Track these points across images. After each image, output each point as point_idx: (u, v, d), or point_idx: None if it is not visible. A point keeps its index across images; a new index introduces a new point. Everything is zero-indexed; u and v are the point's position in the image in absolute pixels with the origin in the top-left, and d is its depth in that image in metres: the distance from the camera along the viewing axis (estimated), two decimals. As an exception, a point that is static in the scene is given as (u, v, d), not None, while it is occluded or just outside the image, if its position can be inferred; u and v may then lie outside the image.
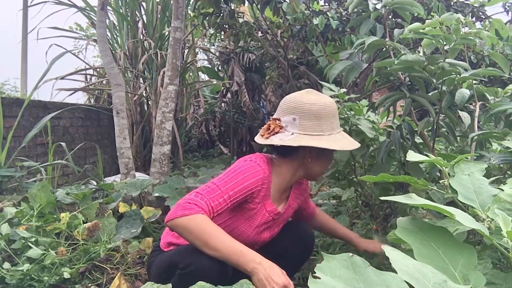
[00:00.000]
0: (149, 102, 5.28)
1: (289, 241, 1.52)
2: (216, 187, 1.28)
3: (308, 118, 1.35)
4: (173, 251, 1.37)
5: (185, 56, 5.63)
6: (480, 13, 3.39)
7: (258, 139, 1.41)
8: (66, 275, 1.74)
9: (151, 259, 1.47)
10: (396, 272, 0.68)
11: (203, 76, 7.24)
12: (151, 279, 1.39)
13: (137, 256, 2.01)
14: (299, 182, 1.57)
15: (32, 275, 1.69)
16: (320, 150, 1.37)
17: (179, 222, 1.19)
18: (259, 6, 3.79)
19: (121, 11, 5.23)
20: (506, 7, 3.29)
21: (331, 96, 1.87)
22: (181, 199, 1.26)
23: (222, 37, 5.31)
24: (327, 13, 3.45)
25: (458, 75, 1.43)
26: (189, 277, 1.18)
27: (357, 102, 2.00)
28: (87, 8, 5.00)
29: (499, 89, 1.62)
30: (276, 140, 1.35)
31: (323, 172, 1.51)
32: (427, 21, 1.42)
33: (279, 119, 1.39)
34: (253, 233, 1.42)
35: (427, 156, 1.12)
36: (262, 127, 1.43)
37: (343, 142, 1.39)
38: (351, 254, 0.72)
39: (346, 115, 1.86)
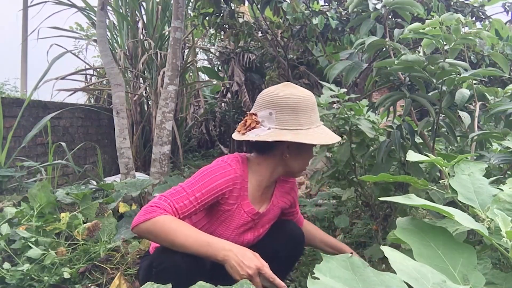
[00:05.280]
0: (149, 102, 5.28)
1: (278, 242, 1.48)
2: (182, 189, 1.25)
3: (285, 112, 1.30)
4: (153, 253, 1.36)
5: (185, 56, 5.63)
6: (480, 13, 3.39)
7: (235, 135, 1.37)
8: (66, 275, 1.74)
9: (140, 264, 1.46)
10: (395, 273, 0.68)
11: (203, 76, 7.25)
12: (140, 283, 1.38)
13: (137, 256, 2.01)
14: (284, 180, 1.53)
15: (32, 275, 1.69)
16: (298, 145, 1.33)
17: (143, 227, 1.17)
18: (259, 6, 3.79)
19: (121, 11, 5.24)
20: (506, 7, 3.29)
21: (331, 96, 1.88)
22: (146, 204, 1.24)
23: (222, 37, 5.31)
24: (327, 13, 3.45)
25: (458, 75, 1.43)
26: (164, 273, 1.18)
27: (357, 102, 2.00)
28: (87, 8, 5.00)
29: (499, 89, 1.62)
30: (252, 135, 1.30)
31: (304, 168, 1.44)
32: (427, 21, 1.42)
33: (255, 114, 1.34)
34: (232, 235, 1.39)
35: (427, 156, 1.11)
36: (239, 123, 1.39)
37: (322, 137, 1.34)
38: (350, 254, 0.72)
39: (346, 115, 1.86)
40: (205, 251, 1.15)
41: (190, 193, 1.25)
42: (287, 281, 1.79)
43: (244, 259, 1.13)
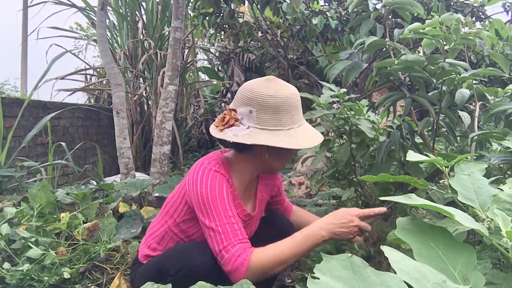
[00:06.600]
0: (149, 102, 5.28)
1: (269, 237, 1.41)
2: (222, 224, 1.20)
3: (266, 112, 1.23)
4: (156, 259, 1.32)
5: (185, 56, 5.63)
6: (480, 13, 3.40)
7: (212, 130, 1.29)
8: (66, 275, 1.74)
9: (132, 273, 1.42)
10: (395, 272, 0.68)
11: (203, 76, 7.25)
12: None
13: (137, 256, 2.01)
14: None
15: (32, 275, 1.69)
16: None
17: (251, 277, 1.10)
18: (259, 6, 3.79)
19: (121, 11, 5.24)
20: (506, 7, 3.29)
21: (331, 96, 1.88)
22: (222, 262, 1.16)
23: (222, 37, 5.31)
24: (327, 13, 3.45)
25: (458, 75, 1.43)
26: (183, 280, 1.15)
27: (357, 102, 2.00)
28: (87, 8, 5.01)
29: (499, 89, 1.62)
30: (230, 134, 1.24)
31: (284, 165, 1.41)
32: (427, 21, 1.42)
33: (235, 110, 1.27)
34: None
35: (427, 156, 1.11)
36: (217, 117, 1.31)
37: (303, 138, 1.27)
38: (350, 254, 0.72)
39: (346, 115, 1.86)
40: (310, 245, 1.17)
41: (226, 219, 1.20)
42: (287, 281, 1.79)
43: (341, 220, 1.17)
